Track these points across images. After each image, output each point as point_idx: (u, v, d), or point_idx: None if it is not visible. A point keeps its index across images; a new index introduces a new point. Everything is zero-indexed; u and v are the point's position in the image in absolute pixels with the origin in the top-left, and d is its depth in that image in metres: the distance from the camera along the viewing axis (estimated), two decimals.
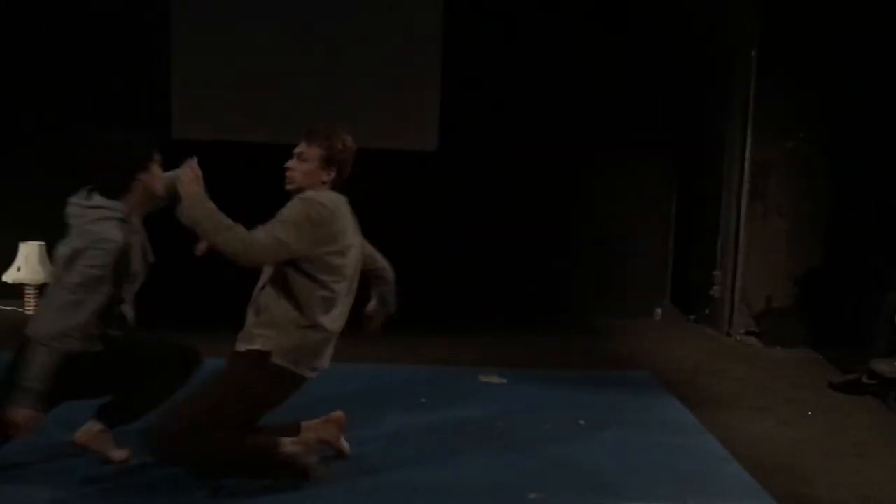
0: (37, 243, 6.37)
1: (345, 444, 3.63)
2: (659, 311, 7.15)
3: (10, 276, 6.35)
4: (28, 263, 6.33)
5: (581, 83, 6.86)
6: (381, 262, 3.74)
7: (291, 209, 3.26)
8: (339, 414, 3.63)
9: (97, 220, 3.23)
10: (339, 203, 3.36)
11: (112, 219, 3.24)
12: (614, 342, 6.26)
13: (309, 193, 3.31)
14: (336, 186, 3.41)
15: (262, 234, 3.18)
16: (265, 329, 3.26)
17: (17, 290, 6.39)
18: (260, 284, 3.39)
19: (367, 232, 3.92)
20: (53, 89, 6.59)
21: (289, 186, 3.36)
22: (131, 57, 6.64)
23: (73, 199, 3.33)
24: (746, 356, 5.95)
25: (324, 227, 3.24)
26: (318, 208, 3.24)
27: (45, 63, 6.61)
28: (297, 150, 3.38)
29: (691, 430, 4.19)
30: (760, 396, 4.94)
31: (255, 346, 3.25)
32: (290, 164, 3.38)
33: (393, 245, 6.30)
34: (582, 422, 4.22)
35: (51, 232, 6.59)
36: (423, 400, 4.48)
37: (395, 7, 6.79)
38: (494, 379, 4.99)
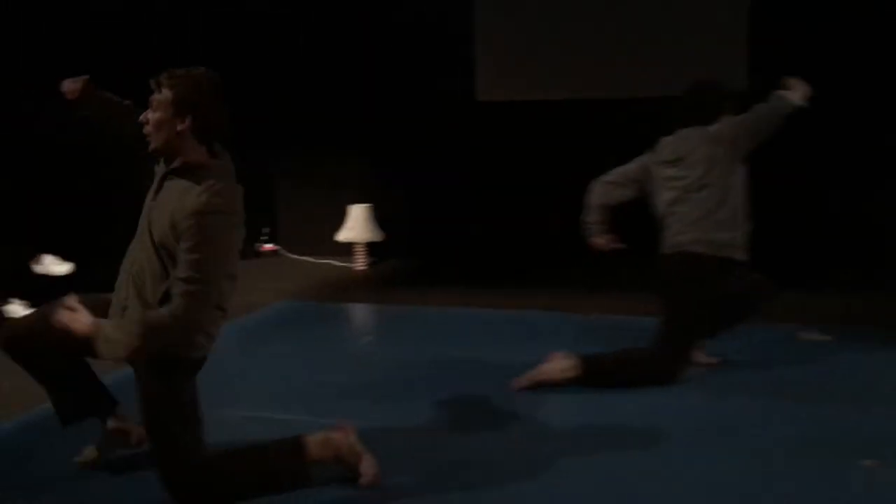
0: (364, 205, 6.95)
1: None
2: None
3: (342, 235, 7.00)
4: (358, 224, 6.93)
5: None
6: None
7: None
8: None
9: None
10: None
11: None
12: None
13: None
14: (204, 136, 2.72)
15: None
16: None
17: (347, 248, 7.04)
18: None
19: None
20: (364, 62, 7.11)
21: (150, 148, 2.77)
22: (435, 25, 6.96)
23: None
24: None
25: None
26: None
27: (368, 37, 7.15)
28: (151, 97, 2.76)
29: None
30: None
31: None
32: (143, 116, 2.76)
33: None
34: None
35: (374, 196, 7.18)
36: (738, 356, 4.29)
37: None
38: (815, 336, 4.66)
